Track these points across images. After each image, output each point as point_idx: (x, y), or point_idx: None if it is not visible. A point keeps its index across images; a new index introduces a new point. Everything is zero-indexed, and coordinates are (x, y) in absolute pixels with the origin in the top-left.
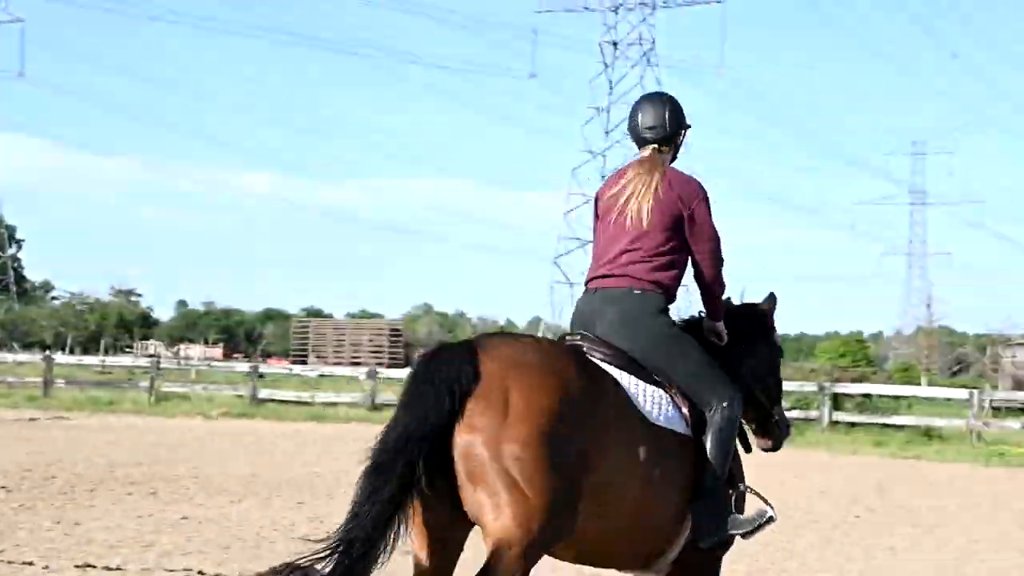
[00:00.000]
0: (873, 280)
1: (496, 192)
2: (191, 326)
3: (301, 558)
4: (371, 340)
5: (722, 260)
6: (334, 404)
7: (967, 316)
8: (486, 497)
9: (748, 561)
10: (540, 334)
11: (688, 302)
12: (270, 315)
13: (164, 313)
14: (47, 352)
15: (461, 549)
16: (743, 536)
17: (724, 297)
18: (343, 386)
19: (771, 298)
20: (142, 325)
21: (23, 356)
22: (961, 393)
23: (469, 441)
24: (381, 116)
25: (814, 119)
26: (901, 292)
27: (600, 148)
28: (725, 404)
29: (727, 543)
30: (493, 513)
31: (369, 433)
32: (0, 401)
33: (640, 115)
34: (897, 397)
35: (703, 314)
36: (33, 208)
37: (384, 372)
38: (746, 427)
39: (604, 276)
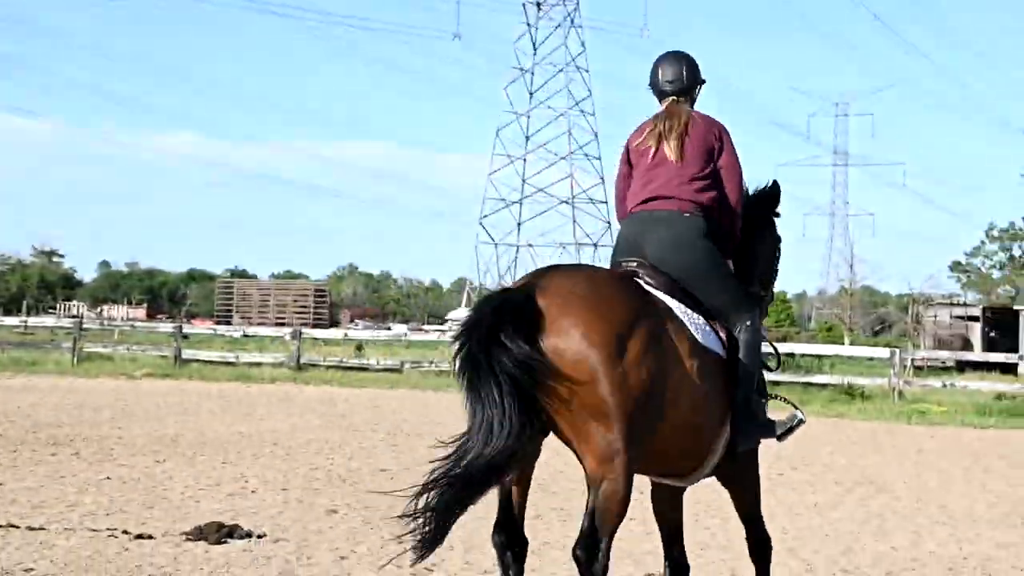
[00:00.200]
0: (796, 241)
1: (421, 153)
2: (114, 287)
3: (433, 461)
4: (296, 300)
5: (743, 190)
6: (258, 364)
7: (889, 276)
8: (575, 423)
9: None
10: (465, 295)
11: None
12: (194, 276)
13: (87, 274)
14: None
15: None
16: (778, 438)
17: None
18: (268, 346)
19: (775, 185)
20: (64, 286)
21: None
22: (883, 352)
23: (552, 368)
24: (305, 77)
25: (738, 81)
26: (824, 252)
27: (524, 109)
28: (749, 323)
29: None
30: (587, 438)
31: (294, 392)
32: None
33: (660, 70)
34: (820, 356)
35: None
36: None
37: (309, 332)
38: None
39: (649, 199)
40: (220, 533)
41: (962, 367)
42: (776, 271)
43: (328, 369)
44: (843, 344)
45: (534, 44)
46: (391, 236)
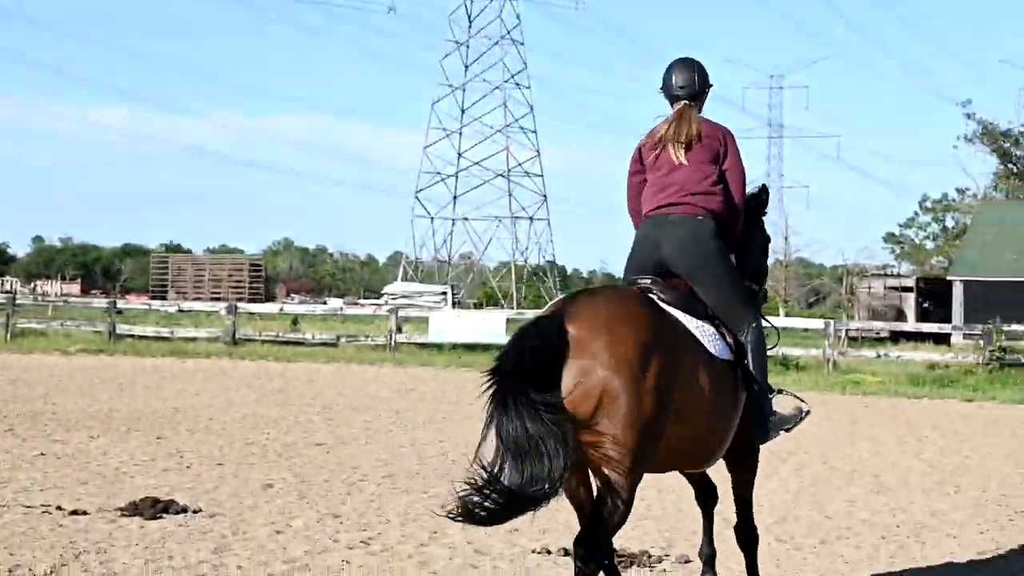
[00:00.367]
0: None
1: (357, 126)
2: (48, 262)
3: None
4: (231, 275)
5: (746, 191)
6: (194, 339)
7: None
8: (598, 437)
9: None
10: (401, 269)
11: None
12: (128, 251)
13: (20, 249)
14: None
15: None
16: (787, 431)
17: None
18: (203, 321)
19: (764, 190)
20: None
21: None
22: (818, 323)
23: (581, 388)
24: (239, 50)
25: (674, 53)
26: None
27: (459, 82)
28: (754, 325)
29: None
30: (604, 445)
31: (230, 367)
32: None
33: (673, 76)
34: None
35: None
36: None
37: (244, 307)
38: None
39: (666, 205)
40: (155, 509)
41: (896, 338)
42: (767, 268)
43: (264, 344)
44: (778, 316)
45: (469, 16)
46: (327, 210)
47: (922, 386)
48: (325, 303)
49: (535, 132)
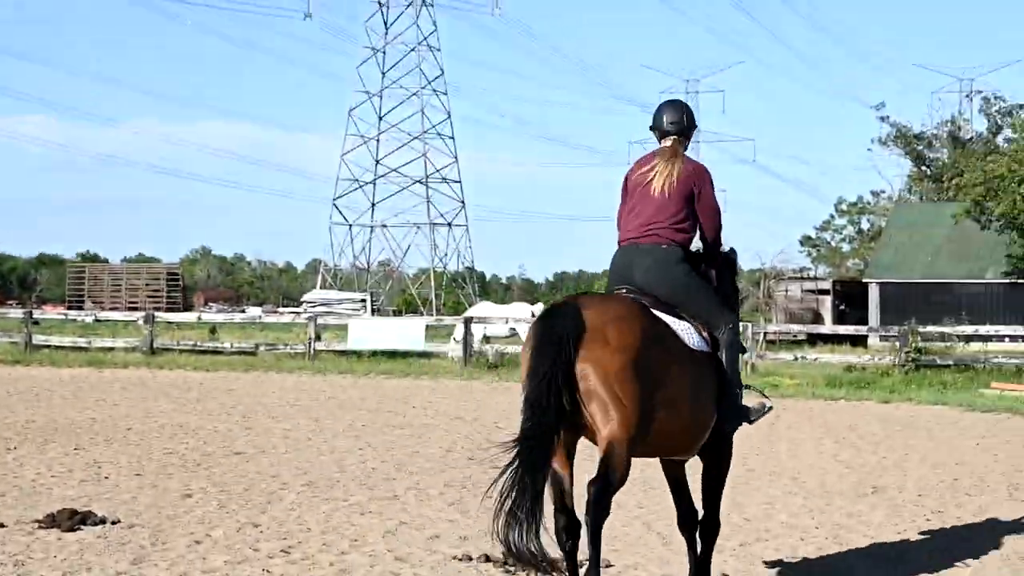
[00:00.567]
0: None
1: (274, 133)
2: None
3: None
4: (148, 284)
5: (721, 227)
6: (111, 349)
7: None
8: (598, 409)
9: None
10: (320, 276)
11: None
12: (44, 261)
13: None
14: None
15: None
16: (750, 422)
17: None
18: (120, 331)
19: (732, 251)
20: None
21: None
22: None
23: (584, 370)
24: (156, 59)
25: (591, 59)
26: None
27: (376, 88)
28: (730, 326)
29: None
30: (604, 420)
31: (148, 377)
32: None
33: (664, 114)
34: None
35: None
36: None
37: (162, 316)
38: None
39: (637, 236)
40: (73, 520)
41: (813, 340)
42: (736, 305)
43: (182, 353)
44: None
45: (386, 23)
46: (244, 218)
47: (839, 388)
48: (244, 311)
49: (452, 138)
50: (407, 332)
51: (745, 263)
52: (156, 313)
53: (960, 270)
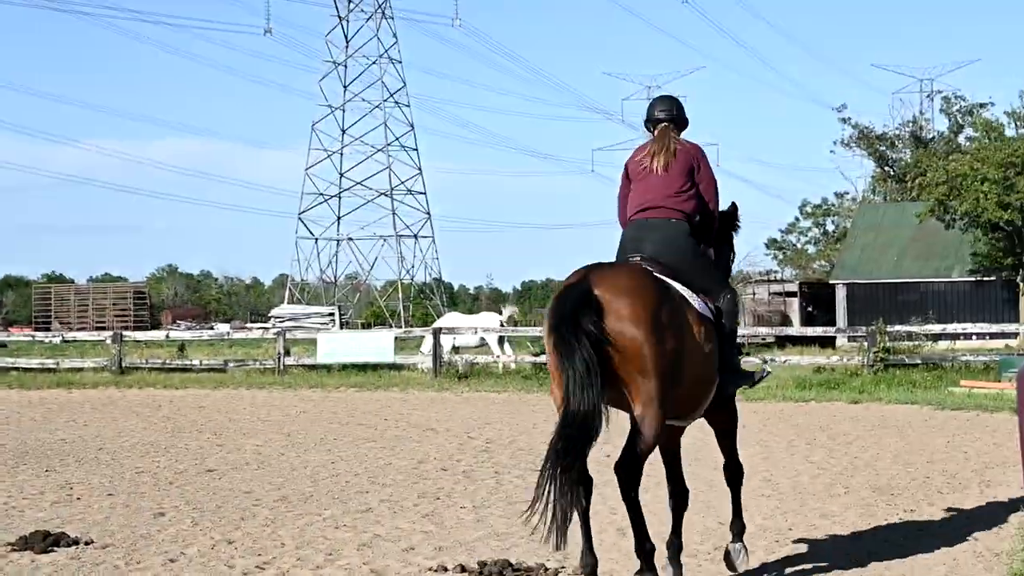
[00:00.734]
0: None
1: (237, 149)
2: None
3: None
4: (115, 304)
5: (719, 200)
6: (80, 370)
7: None
8: (628, 378)
9: (473, 492)
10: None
11: None
12: (9, 282)
13: None
14: None
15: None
16: (750, 385)
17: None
18: (88, 351)
19: (733, 206)
20: None
21: None
22: None
23: (612, 340)
24: (117, 76)
25: (552, 66)
26: None
27: (339, 102)
28: (728, 295)
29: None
30: (635, 388)
31: (117, 396)
32: None
33: (655, 106)
34: None
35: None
36: None
37: (130, 335)
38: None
39: (645, 210)
40: (46, 542)
41: (782, 343)
42: (731, 271)
43: (151, 372)
44: None
45: (346, 37)
46: (210, 235)
47: (809, 389)
48: (212, 328)
49: (416, 150)
50: (376, 345)
51: None
52: (124, 332)
53: (926, 269)
